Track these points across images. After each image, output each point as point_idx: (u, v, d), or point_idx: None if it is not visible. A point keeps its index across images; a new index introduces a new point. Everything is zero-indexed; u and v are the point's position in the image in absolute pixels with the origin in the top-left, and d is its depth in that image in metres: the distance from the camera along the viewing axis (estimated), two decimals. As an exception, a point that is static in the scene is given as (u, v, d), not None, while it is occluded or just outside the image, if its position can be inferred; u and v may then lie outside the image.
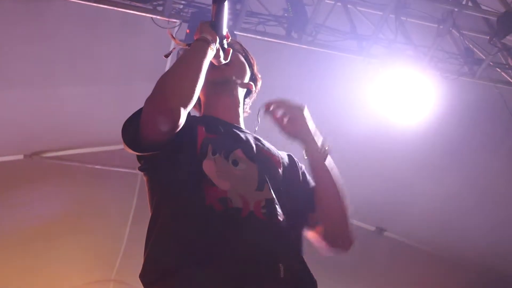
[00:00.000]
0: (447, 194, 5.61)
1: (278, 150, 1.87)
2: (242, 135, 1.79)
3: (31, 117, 5.09)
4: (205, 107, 1.89)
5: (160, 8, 3.91)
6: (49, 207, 5.81)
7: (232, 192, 1.59)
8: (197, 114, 1.92)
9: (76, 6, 3.89)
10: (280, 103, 1.87)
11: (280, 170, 1.76)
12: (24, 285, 6.57)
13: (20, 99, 4.87)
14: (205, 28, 1.76)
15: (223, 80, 1.87)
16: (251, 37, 4.10)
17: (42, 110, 5.08)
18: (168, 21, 3.94)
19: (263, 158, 1.75)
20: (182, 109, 1.60)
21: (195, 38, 1.76)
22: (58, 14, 4.20)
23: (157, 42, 4.32)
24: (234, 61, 1.89)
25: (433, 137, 4.92)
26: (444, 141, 5.10)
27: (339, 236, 1.82)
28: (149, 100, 1.60)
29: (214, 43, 1.73)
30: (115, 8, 3.84)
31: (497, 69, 4.61)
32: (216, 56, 1.77)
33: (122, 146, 1.72)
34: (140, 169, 1.73)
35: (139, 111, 1.64)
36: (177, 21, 3.97)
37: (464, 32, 4.44)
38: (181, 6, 3.98)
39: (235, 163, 1.67)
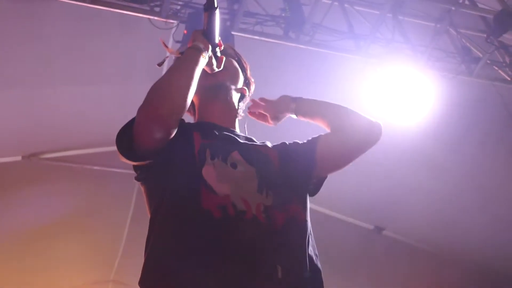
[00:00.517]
0: (446, 193, 5.62)
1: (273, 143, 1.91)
2: (237, 137, 1.81)
3: (29, 118, 5.08)
4: (200, 113, 1.91)
5: (157, 9, 3.91)
6: (48, 208, 5.80)
7: (234, 195, 1.60)
8: (191, 120, 1.94)
9: (73, 6, 3.89)
10: (257, 104, 2.00)
11: (277, 163, 1.77)
12: (23, 285, 6.56)
13: (17, 100, 4.86)
14: (197, 36, 1.78)
15: (217, 86, 1.89)
16: (248, 37, 4.10)
17: (40, 111, 5.08)
18: (166, 22, 3.93)
19: (260, 157, 1.76)
20: (174, 117, 1.62)
21: (188, 46, 1.77)
22: (55, 14, 4.19)
23: (154, 42, 4.32)
24: (228, 67, 1.92)
25: (431, 135, 4.93)
26: (442, 139, 5.11)
27: (364, 133, 1.88)
28: (141, 108, 1.62)
29: (206, 51, 1.76)
30: (112, 9, 3.84)
31: (495, 67, 4.62)
32: (209, 64, 1.79)
33: (120, 147, 1.72)
34: (137, 179, 1.74)
35: (132, 121, 1.66)
36: (175, 22, 3.97)
37: (461, 30, 4.45)
38: (178, 7, 3.98)
39: (234, 165, 1.69)
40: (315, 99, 1.97)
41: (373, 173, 5.46)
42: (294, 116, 1.96)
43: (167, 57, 1.97)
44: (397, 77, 4.33)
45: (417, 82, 4.34)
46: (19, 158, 5.56)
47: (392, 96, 4.42)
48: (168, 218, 1.61)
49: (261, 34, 4.14)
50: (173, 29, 3.96)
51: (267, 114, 2.00)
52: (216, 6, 1.75)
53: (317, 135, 1.88)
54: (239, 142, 1.80)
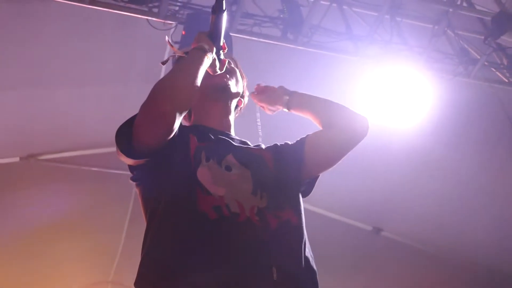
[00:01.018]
0: (445, 194, 5.62)
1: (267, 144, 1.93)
2: (232, 141, 1.82)
3: (26, 119, 5.08)
4: (196, 115, 1.92)
5: (155, 10, 3.91)
6: (46, 210, 5.79)
7: (228, 197, 1.61)
8: (186, 124, 1.95)
9: (71, 8, 3.89)
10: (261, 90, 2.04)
11: (271, 165, 1.78)
12: (21, 287, 6.55)
13: (15, 101, 4.86)
14: (202, 37, 1.78)
15: (222, 86, 1.91)
16: (247, 39, 4.11)
17: (38, 112, 5.07)
18: (164, 23, 3.93)
19: (254, 159, 1.77)
20: (176, 115, 1.62)
21: (192, 47, 1.78)
22: (53, 15, 4.19)
23: (153, 44, 4.32)
24: (231, 71, 1.94)
25: (429, 136, 4.94)
26: (440, 141, 5.11)
27: (352, 129, 1.89)
28: (144, 105, 1.62)
29: (210, 53, 1.76)
30: (110, 10, 3.84)
31: (492, 68, 4.63)
32: (212, 65, 1.80)
33: (118, 148, 1.72)
34: (133, 179, 1.74)
35: (132, 119, 1.66)
36: (173, 23, 3.96)
37: (459, 32, 4.45)
38: (177, 8, 3.98)
39: (228, 168, 1.70)
40: (308, 93, 1.99)
41: (372, 174, 5.46)
42: (286, 110, 1.99)
43: (172, 56, 1.98)
44: (395, 79, 4.34)
45: (415, 84, 4.35)
46: (17, 159, 5.55)
47: (390, 97, 4.42)
48: (165, 219, 1.61)
49: (259, 35, 4.15)
50: (172, 30, 3.96)
51: (262, 105, 2.04)
52: (224, 8, 1.77)
53: (305, 135, 1.89)
54: (234, 145, 1.81)
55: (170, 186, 1.64)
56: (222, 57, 1.83)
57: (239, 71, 2.01)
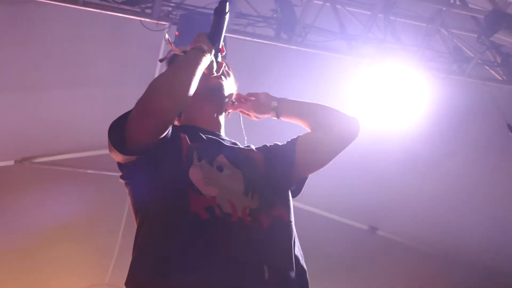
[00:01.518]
0: (440, 193, 5.63)
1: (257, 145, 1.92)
2: (222, 141, 1.83)
3: (21, 122, 5.06)
4: (187, 115, 1.91)
5: (148, 11, 3.90)
6: (41, 213, 5.77)
7: (220, 198, 1.61)
8: (176, 124, 1.94)
9: (65, 10, 3.88)
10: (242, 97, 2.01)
11: (262, 165, 1.79)
12: (17, 291, 6.54)
13: (9, 104, 4.84)
14: (202, 38, 1.79)
15: (218, 88, 1.91)
16: (240, 39, 4.10)
17: (32, 115, 5.06)
18: (157, 23, 3.93)
19: (246, 160, 1.77)
20: (172, 112, 1.63)
21: (191, 47, 1.78)
22: (46, 18, 4.18)
23: (146, 45, 4.31)
24: (227, 75, 1.95)
25: (424, 135, 4.95)
26: (435, 139, 5.12)
27: (343, 130, 1.88)
28: (141, 101, 1.62)
29: (209, 54, 1.77)
30: (103, 11, 3.83)
31: (486, 67, 4.64)
32: (209, 67, 1.80)
33: (113, 150, 1.71)
34: (122, 177, 1.73)
35: (125, 114, 1.65)
36: (166, 23, 3.96)
37: (452, 30, 4.46)
38: (170, 9, 3.97)
39: (220, 168, 1.70)
40: (296, 99, 1.97)
41: (367, 173, 5.47)
42: (275, 117, 1.97)
43: (169, 53, 1.98)
44: (390, 77, 4.34)
45: (409, 82, 4.36)
46: (11, 162, 5.53)
47: (385, 96, 4.43)
48: (156, 219, 1.60)
49: (253, 35, 4.14)
50: (165, 31, 3.95)
51: (250, 114, 2.01)
52: (227, 11, 1.77)
53: (296, 136, 1.89)
54: (225, 145, 1.81)
55: (161, 186, 1.64)
56: (219, 59, 1.84)
57: (232, 76, 2.01)
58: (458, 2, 4.38)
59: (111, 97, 4.92)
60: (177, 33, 3.83)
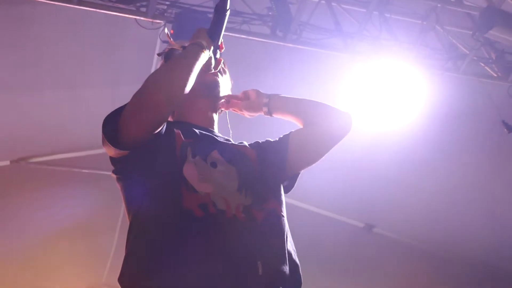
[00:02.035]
0: (436, 190, 5.65)
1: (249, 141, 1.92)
2: (216, 137, 1.82)
3: (17, 122, 5.05)
4: (181, 111, 1.89)
5: (143, 9, 3.89)
6: (37, 213, 5.76)
7: (215, 194, 1.60)
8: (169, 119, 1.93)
9: (60, 10, 3.87)
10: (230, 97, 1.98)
11: (255, 161, 1.78)
12: (14, 292, 6.53)
13: (5, 104, 4.83)
14: (201, 34, 1.79)
15: (214, 85, 1.91)
16: (236, 37, 4.10)
17: (28, 115, 5.05)
18: (152, 22, 3.92)
19: (239, 156, 1.77)
20: (168, 106, 1.63)
21: (190, 42, 1.78)
22: (41, 18, 4.17)
23: (141, 43, 4.31)
24: (224, 72, 1.95)
25: (419, 132, 4.95)
26: (431, 136, 5.13)
27: (335, 125, 1.87)
28: (137, 93, 1.61)
29: (208, 50, 1.77)
30: (98, 10, 3.82)
31: (481, 63, 4.65)
32: (207, 63, 1.80)
33: (109, 149, 1.71)
34: (115, 172, 1.72)
35: (121, 108, 1.64)
36: (161, 22, 3.95)
37: (447, 27, 4.47)
38: (165, 7, 3.97)
39: (214, 164, 1.69)
40: (287, 96, 1.96)
41: (363, 170, 5.48)
42: (267, 115, 1.95)
43: (168, 48, 1.97)
44: (385, 75, 4.35)
45: (404, 79, 4.37)
46: (7, 162, 5.52)
47: (380, 93, 4.44)
48: (149, 216, 1.60)
49: (248, 33, 4.14)
50: (160, 29, 3.95)
51: (242, 112, 2.00)
52: (228, 8, 1.77)
53: (288, 132, 1.89)
54: (219, 141, 1.81)
55: (155, 182, 1.63)
56: (218, 56, 1.84)
57: (228, 73, 2.01)
58: (452, -1, 4.39)
59: (106, 96, 4.91)
60: (171, 31, 3.83)
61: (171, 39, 1.90)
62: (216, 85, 1.91)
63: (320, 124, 1.86)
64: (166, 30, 1.96)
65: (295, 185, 1.90)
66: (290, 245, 1.68)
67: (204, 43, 1.76)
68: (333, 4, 4.28)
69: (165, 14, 3.95)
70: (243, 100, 1.97)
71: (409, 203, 5.80)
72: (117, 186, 1.75)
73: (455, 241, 6.05)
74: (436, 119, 4.88)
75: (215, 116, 1.94)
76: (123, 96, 1.70)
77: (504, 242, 5.86)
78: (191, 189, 1.59)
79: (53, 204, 5.76)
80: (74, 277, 6.75)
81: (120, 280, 1.56)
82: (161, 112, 1.61)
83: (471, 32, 4.41)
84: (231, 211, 1.60)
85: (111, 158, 1.70)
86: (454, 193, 5.62)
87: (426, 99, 4.49)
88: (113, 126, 1.62)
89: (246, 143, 1.89)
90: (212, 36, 1.80)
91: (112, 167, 1.73)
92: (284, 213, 1.72)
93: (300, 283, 1.65)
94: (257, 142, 1.90)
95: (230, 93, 2.00)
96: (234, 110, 2.02)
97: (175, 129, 1.72)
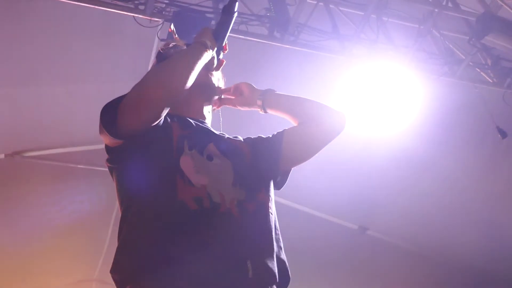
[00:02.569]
0: (430, 193, 5.66)
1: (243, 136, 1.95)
2: (211, 130, 1.85)
3: (12, 116, 5.04)
4: (176, 106, 1.87)
5: (142, 7, 3.89)
6: (31, 207, 5.76)
7: (211, 187, 1.62)
8: None
9: (57, 5, 3.86)
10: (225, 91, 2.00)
11: (249, 158, 1.80)
12: (7, 286, 6.50)
13: (0, 98, 4.82)
14: (206, 34, 1.81)
15: (212, 86, 1.93)
16: (233, 37, 4.11)
17: (24, 109, 5.04)
18: (150, 20, 3.93)
19: (234, 150, 1.79)
20: (167, 100, 1.64)
21: (194, 40, 1.80)
22: (39, 14, 4.16)
23: (139, 41, 4.31)
24: (222, 73, 1.97)
25: (414, 136, 4.97)
26: (426, 140, 5.15)
27: (329, 123, 1.89)
28: (138, 86, 1.63)
29: (211, 50, 1.78)
30: (96, 7, 3.82)
31: (477, 69, 4.67)
32: (209, 63, 1.82)
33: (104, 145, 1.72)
34: (109, 161, 1.72)
35: (119, 98, 1.65)
36: (160, 20, 3.96)
37: (444, 32, 4.49)
38: (164, 5, 3.97)
39: (210, 157, 1.71)
40: (282, 93, 1.98)
41: (358, 172, 5.49)
42: (262, 111, 1.97)
43: (173, 45, 1.99)
44: (381, 78, 4.37)
45: (401, 83, 4.39)
46: (2, 156, 5.51)
47: (376, 96, 4.46)
48: (142, 207, 1.61)
49: (245, 33, 4.15)
50: (159, 28, 3.95)
51: (237, 107, 2.01)
52: (235, 10, 1.79)
53: (282, 130, 1.90)
54: (215, 134, 1.82)
55: (150, 173, 1.64)
56: (221, 57, 1.86)
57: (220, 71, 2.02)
58: (450, 4, 4.41)
59: (103, 92, 4.91)
60: (170, 29, 3.83)
61: (176, 35, 1.91)
62: (213, 87, 1.93)
63: (314, 122, 1.87)
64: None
65: (286, 183, 1.92)
66: (278, 242, 1.69)
67: (209, 42, 1.77)
68: (331, 6, 4.29)
69: (164, 13, 3.96)
70: (236, 96, 1.98)
71: (403, 206, 5.82)
72: (111, 177, 1.75)
73: (449, 244, 6.07)
74: (432, 122, 4.90)
75: (209, 115, 1.95)
76: (119, 92, 1.71)
77: (498, 245, 5.89)
78: (187, 182, 1.60)
79: (47, 199, 5.76)
80: (65, 271, 6.75)
81: (112, 271, 1.57)
82: (159, 106, 1.62)
83: (467, 38, 4.43)
84: (225, 204, 1.61)
85: (106, 147, 1.71)
86: (448, 197, 5.64)
87: (421, 103, 4.51)
88: (111, 115, 1.63)
89: (241, 138, 1.91)
90: (217, 36, 1.81)
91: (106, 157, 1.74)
92: (273, 210, 1.74)
93: (288, 279, 1.67)
94: (249, 138, 1.92)
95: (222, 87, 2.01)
96: (228, 105, 2.04)
97: (172, 122, 1.73)
